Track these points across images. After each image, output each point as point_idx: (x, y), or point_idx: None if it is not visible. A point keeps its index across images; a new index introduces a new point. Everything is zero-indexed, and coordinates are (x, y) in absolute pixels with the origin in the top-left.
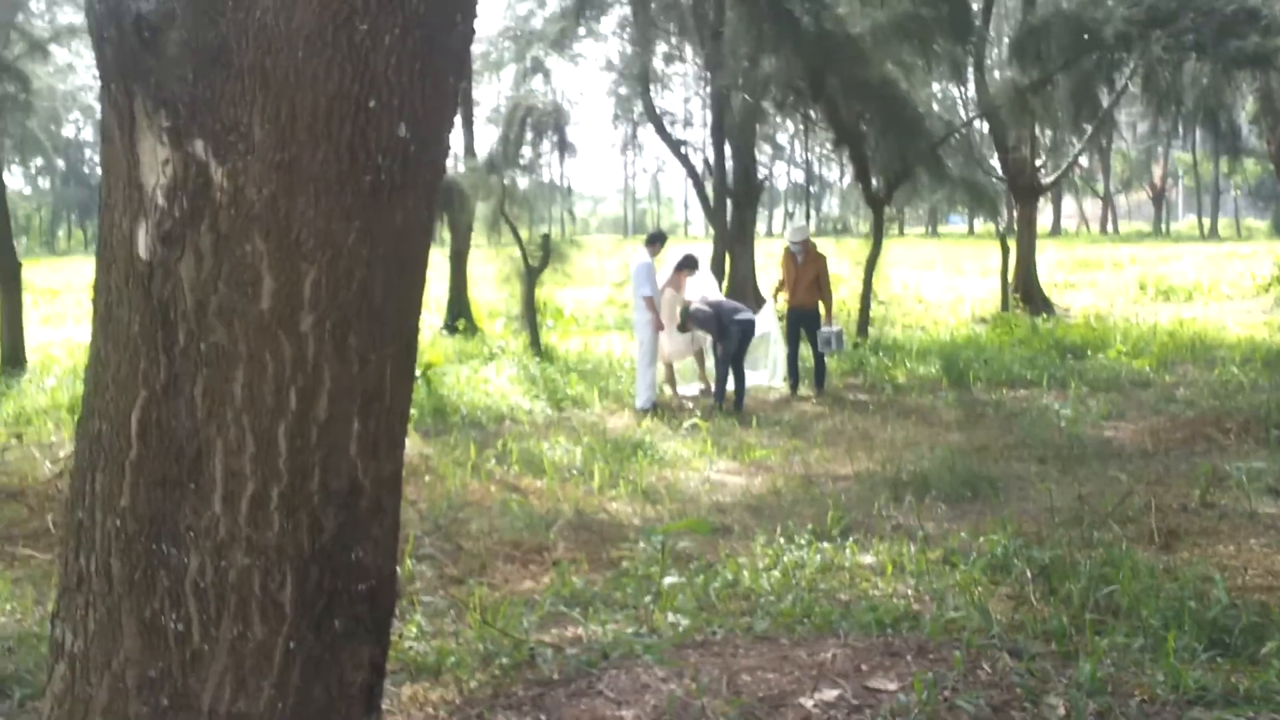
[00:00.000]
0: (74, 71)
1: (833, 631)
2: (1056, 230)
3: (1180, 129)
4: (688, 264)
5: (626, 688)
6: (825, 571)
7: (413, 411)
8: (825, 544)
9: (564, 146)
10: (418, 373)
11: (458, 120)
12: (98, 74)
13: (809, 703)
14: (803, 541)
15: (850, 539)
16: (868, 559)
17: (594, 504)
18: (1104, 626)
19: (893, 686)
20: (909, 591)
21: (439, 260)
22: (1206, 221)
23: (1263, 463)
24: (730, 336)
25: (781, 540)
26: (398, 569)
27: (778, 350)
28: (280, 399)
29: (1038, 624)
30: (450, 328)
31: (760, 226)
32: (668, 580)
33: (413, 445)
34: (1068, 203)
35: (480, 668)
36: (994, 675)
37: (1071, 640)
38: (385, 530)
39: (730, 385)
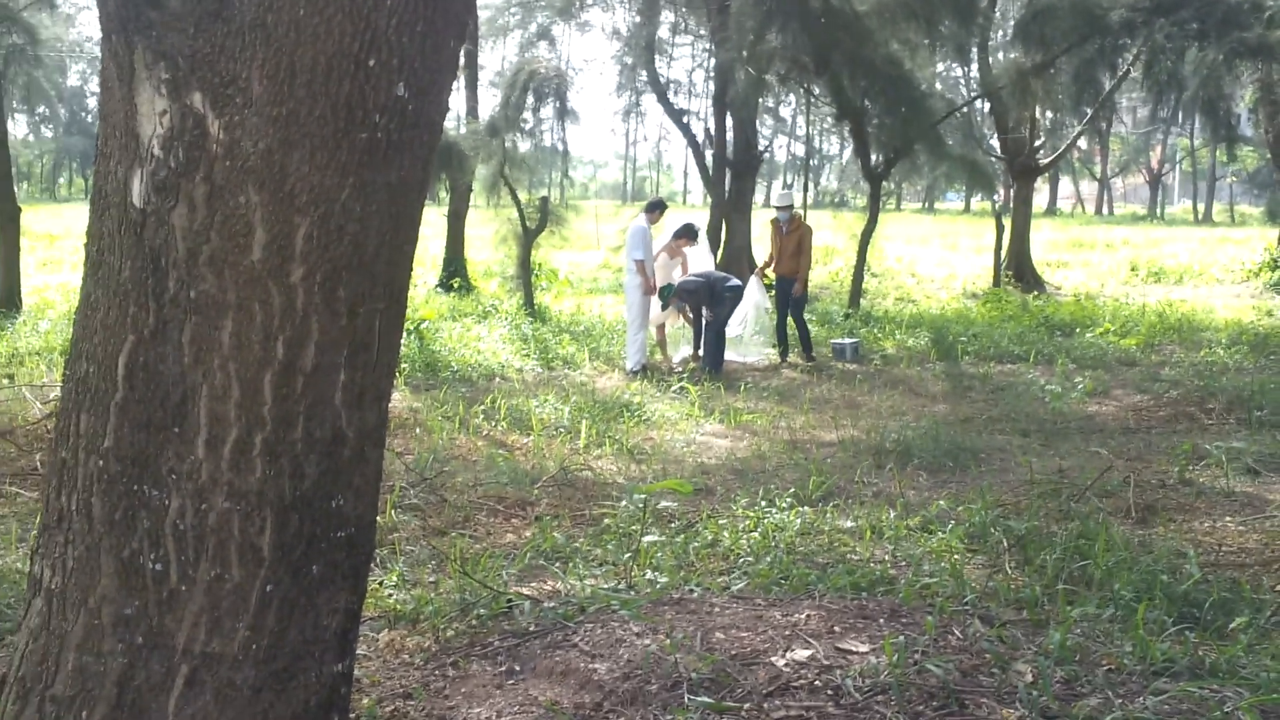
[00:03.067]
0: (79, 22)
1: (808, 593)
2: (1052, 210)
3: (1179, 115)
4: (687, 232)
5: (601, 641)
6: (805, 535)
7: (404, 365)
8: (806, 508)
9: (565, 112)
10: (410, 327)
11: (461, 82)
12: (100, 25)
13: (780, 661)
14: (784, 505)
15: (831, 504)
16: (847, 524)
17: (579, 462)
18: (1076, 597)
19: (864, 648)
20: (886, 557)
21: (437, 219)
22: (1201, 206)
23: (1242, 443)
24: (724, 303)
25: (763, 503)
26: (378, 518)
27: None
28: (267, 348)
29: (1011, 592)
30: (445, 285)
31: (758, 197)
32: (648, 538)
33: (402, 398)
34: (1064, 184)
35: (458, 617)
36: (964, 640)
37: (1043, 609)
38: (366, 480)
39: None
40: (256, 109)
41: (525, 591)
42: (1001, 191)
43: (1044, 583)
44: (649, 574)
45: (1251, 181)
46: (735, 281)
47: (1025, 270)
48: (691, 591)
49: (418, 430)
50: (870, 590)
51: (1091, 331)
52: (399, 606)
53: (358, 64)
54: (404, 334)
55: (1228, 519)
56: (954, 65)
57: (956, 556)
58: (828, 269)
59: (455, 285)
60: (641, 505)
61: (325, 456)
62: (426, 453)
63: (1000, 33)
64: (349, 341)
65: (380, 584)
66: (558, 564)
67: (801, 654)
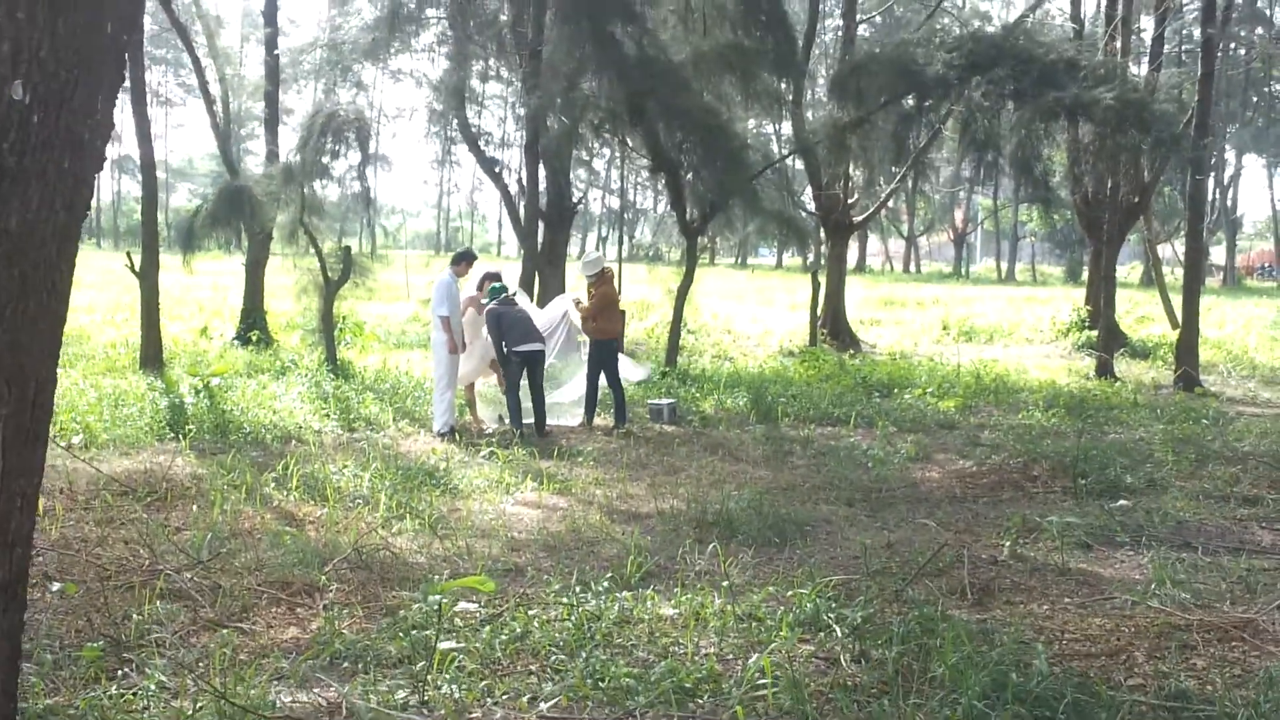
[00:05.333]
0: None
1: (628, 711)
2: (861, 267)
3: (982, 174)
4: (487, 279)
5: None
6: (623, 624)
7: (190, 427)
8: (625, 592)
9: (368, 157)
10: (200, 385)
11: (259, 124)
12: None
13: None
14: (600, 589)
15: (651, 587)
16: (668, 611)
17: (376, 539)
18: (923, 698)
19: None
20: (711, 649)
21: (235, 267)
22: (1004, 265)
23: (1072, 515)
24: (510, 365)
25: (577, 587)
26: (132, 614)
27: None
28: None
29: (851, 698)
30: (243, 339)
31: (572, 249)
32: (445, 645)
33: (186, 464)
34: (872, 241)
35: None
36: None
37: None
38: None
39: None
40: None
41: (302, 702)
42: (813, 248)
43: (885, 679)
44: (446, 686)
45: (1050, 241)
46: (529, 348)
47: (841, 328)
48: (494, 709)
49: (196, 505)
50: (696, 693)
51: (909, 392)
52: None
53: None
54: (193, 393)
55: (1066, 600)
56: (768, 120)
57: (787, 650)
58: (643, 325)
59: (254, 339)
60: (437, 607)
61: None
62: (204, 530)
63: (810, 93)
64: None
65: (134, 694)
66: (346, 664)
67: None
